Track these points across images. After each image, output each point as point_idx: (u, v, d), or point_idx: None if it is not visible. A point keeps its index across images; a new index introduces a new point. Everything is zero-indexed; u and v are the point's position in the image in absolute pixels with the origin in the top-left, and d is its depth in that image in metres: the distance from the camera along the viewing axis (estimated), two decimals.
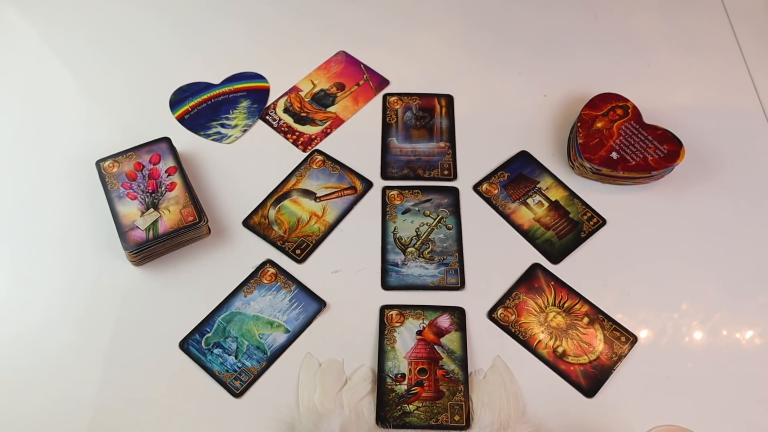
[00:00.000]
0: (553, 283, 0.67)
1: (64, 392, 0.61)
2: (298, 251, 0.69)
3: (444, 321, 0.65)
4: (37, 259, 0.67)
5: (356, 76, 0.82)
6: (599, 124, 0.74)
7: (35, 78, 0.80)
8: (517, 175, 0.74)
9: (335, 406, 0.59)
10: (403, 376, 0.62)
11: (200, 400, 0.61)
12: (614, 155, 0.71)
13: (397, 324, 0.65)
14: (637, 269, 0.69)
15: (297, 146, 0.76)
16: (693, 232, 0.71)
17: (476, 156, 0.76)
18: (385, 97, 0.80)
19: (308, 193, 0.73)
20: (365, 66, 0.83)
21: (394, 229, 0.71)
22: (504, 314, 0.66)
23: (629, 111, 0.75)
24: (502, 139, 0.77)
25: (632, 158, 0.71)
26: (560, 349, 0.64)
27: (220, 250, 0.69)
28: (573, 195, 0.73)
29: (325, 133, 0.77)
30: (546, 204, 0.72)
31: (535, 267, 0.68)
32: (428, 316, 0.65)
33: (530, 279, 0.68)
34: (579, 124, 0.74)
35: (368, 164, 0.75)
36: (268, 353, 0.63)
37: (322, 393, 0.60)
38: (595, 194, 0.73)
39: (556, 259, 0.69)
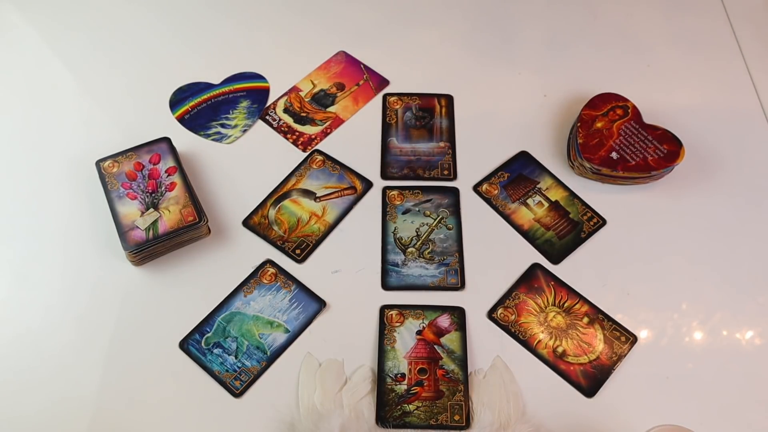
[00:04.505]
0: (553, 283, 0.67)
1: (64, 392, 0.61)
2: (298, 251, 0.69)
3: (444, 321, 0.65)
4: (37, 259, 0.67)
5: (356, 76, 0.82)
6: (599, 124, 0.74)
7: (35, 78, 0.80)
8: (517, 175, 0.74)
9: (335, 406, 0.60)
10: (403, 376, 0.62)
11: (200, 400, 0.61)
12: (614, 155, 0.72)
13: (397, 324, 0.65)
14: (637, 269, 0.69)
15: (297, 146, 0.76)
16: (693, 232, 0.71)
17: (476, 156, 0.76)
18: (385, 97, 0.80)
19: (308, 193, 0.73)
20: (365, 66, 0.83)
21: (395, 229, 0.71)
22: (504, 314, 0.66)
23: (629, 111, 0.75)
24: (502, 139, 0.77)
25: (632, 158, 0.71)
26: (560, 349, 0.64)
27: (220, 250, 0.69)
28: (573, 195, 0.73)
29: (325, 133, 0.77)
30: (546, 204, 0.72)
31: (535, 267, 0.68)
32: (428, 316, 0.65)
33: (530, 279, 0.68)
34: (579, 124, 0.74)
35: (368, 164, 0.75)
36: (268, 353, 0.63)
37: (322, 393, 0.60)
38: (595, 194, 0.73)
39: (556, 259, 0.69)
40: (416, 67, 0.83)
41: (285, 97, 0.80)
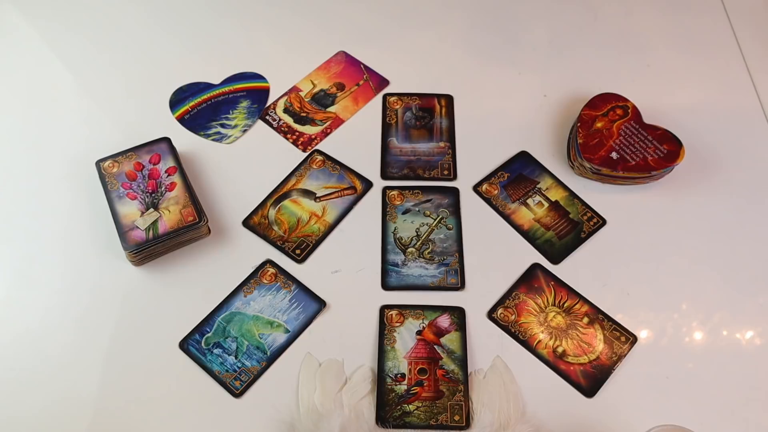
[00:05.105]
0: (553, 283, 0.67)
1: (64, 392, 0.61)
2: (298, 251, 0.69)
3: (444, 321, 0.65)
4: (37, 259, 0.67)
5: (356, 76, 0.82)
6: (599, 124, 0.74)
7: (36, 78, 0.80)
8: (517, 175, 0.74)
9: (335, 406, 0.60)
10: (403, 376, 0.62)
11: (200, 400, 0.61)
12: (614, 155, 0.72)
13: (397, 324, 0.65)
14: (637, 269, 0.69)
15: (297, 146, 0.76)
16: (693, 232, 0.71)
17: (476, 156, 0.76)
18: (385, 97, 0.80)
19: (308, 193, 0.73)
20: (365, 66, 0.83)
21: (395, 229, 0.71)
22: (504, 314, 0.66)
23: (629, 111, 0.75)
24: (502, 139, 0.77)
25: (632, 158, 0.71)
26: (560, 349, 0.64)
27: (220, 250, 0.69)
28: (573, 195, 0.73)
29: (325, 133, 0.77)
30: (546, 204, 0.72)
31: (535, 267, 0.68)
32: (428, 316, 0.65)
33: (530, 279, 0.68)
34: (579, 124, 0.74)
35: (368, 164, 0.75)
36: (268, 353, 0.63)
37: (322, 393, 0.60)
38: (595, 194, 0.73)
39: (556, 259, 0.69)
40: (416, 67, 0.83)
41: (285, 97, 0.80)
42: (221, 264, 0.68)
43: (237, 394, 0.61)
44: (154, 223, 0.66)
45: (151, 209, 0.67)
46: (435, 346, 0.63)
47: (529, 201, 0.73)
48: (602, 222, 0.71)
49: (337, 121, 0.78)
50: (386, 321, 0.65)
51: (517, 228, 0.71)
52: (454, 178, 0.74)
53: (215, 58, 0.83)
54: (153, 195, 0.67)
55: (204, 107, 0.78)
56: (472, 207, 0.72)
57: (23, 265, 0.67)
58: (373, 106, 0.80)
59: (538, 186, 0.74)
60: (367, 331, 0.64)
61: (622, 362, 0.63)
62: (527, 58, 0.84)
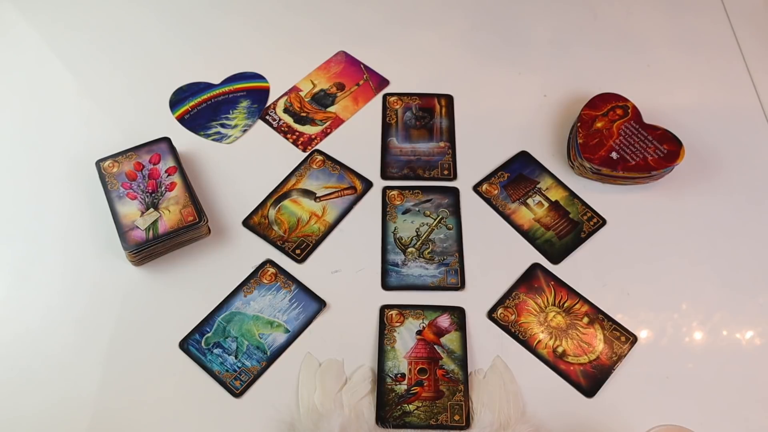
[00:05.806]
0: (553, 283, 0.67)
1: (64, 392, 0.61)
2: (298, 251, 0.69)
3: (444, 321, 0.65)
4: (37, 259, 0.67)
5: (356, 76, 0.82)
6: (599, 124, 0.74)
7: (36, 78, 0.80)
8: (517, 175, 0.74)
9: (335, 406, 0.60)
10: (403, 375, 0.62)
11: (200, 400, 0.61)
12: (614, 155, 0.72)
13: (397, 324, 0.65)
14: (637, 269, 0.69)
15: (297, 146, 0.76)
16: (693, 232, 0.71)
17: (476, 156, 0.76)
18: (385, 97, 0.80)
19: (308, 193, 0.73)
20: (365, 66, 0.83)
21: (395, 229, 0.71)
22: (504, 314, 0.66)
23: (629, 111, 0.75)
24: (502, 139, 0.77)
25: (632, 158, 0.71)
26: (560, 349, 0.64)
27: (220, 250, 0.69)
28: (573, 195, 0.73)
29: (325, 133, 0.77)
30: (546, 204, 0.72)
31: (535, 267, 0.68)
32: (428, 316, 0.65)
33: (530, 279, 0.68)
34: (579, 124, 0.74)
35: (368, 164, 0.75)
36: (268, 353, 0.63)
37: (322, 393, 0.60)
38: (595, 194, 0.73)
39: (556, 259, 0.69)
40: (416, 67, 0.83)
41: (285, 97, 0.80)
42: (221, 264, 0.68)
43: (237, 394, 0.61)
44: (154, 223, 0.66)
45: (151, 209, 0.67)
46: (435, 346, 0.63)
47: (529, 201, 0.73)
48: (602, 222, 0.71)
49: (337, 121, 0.78)
50: (386, 321, 0.65)
51: (517, 228, 0.71)
52: (454, 178, 0.74)
53: (215, 58, 0.83)
54: (153, 195, 0.67)
55: (204, 107, 0.78)
56: (472, 207, 0.72)
57: (23, 265, 0.67)
58: (373, 106, 0.80)
59: (538, 186, 0.74)
60: (367, 331, 0.64)
61: (622, 362, 0.63)
62: (527, 58, 0.84)
